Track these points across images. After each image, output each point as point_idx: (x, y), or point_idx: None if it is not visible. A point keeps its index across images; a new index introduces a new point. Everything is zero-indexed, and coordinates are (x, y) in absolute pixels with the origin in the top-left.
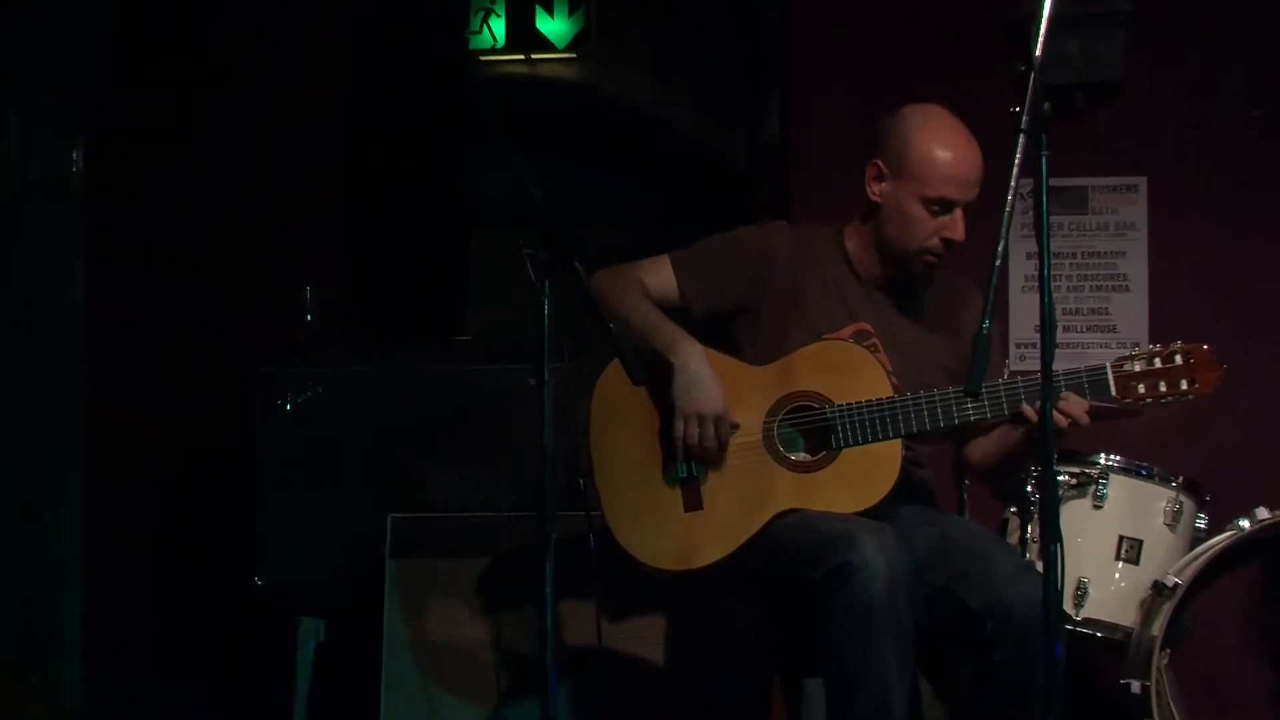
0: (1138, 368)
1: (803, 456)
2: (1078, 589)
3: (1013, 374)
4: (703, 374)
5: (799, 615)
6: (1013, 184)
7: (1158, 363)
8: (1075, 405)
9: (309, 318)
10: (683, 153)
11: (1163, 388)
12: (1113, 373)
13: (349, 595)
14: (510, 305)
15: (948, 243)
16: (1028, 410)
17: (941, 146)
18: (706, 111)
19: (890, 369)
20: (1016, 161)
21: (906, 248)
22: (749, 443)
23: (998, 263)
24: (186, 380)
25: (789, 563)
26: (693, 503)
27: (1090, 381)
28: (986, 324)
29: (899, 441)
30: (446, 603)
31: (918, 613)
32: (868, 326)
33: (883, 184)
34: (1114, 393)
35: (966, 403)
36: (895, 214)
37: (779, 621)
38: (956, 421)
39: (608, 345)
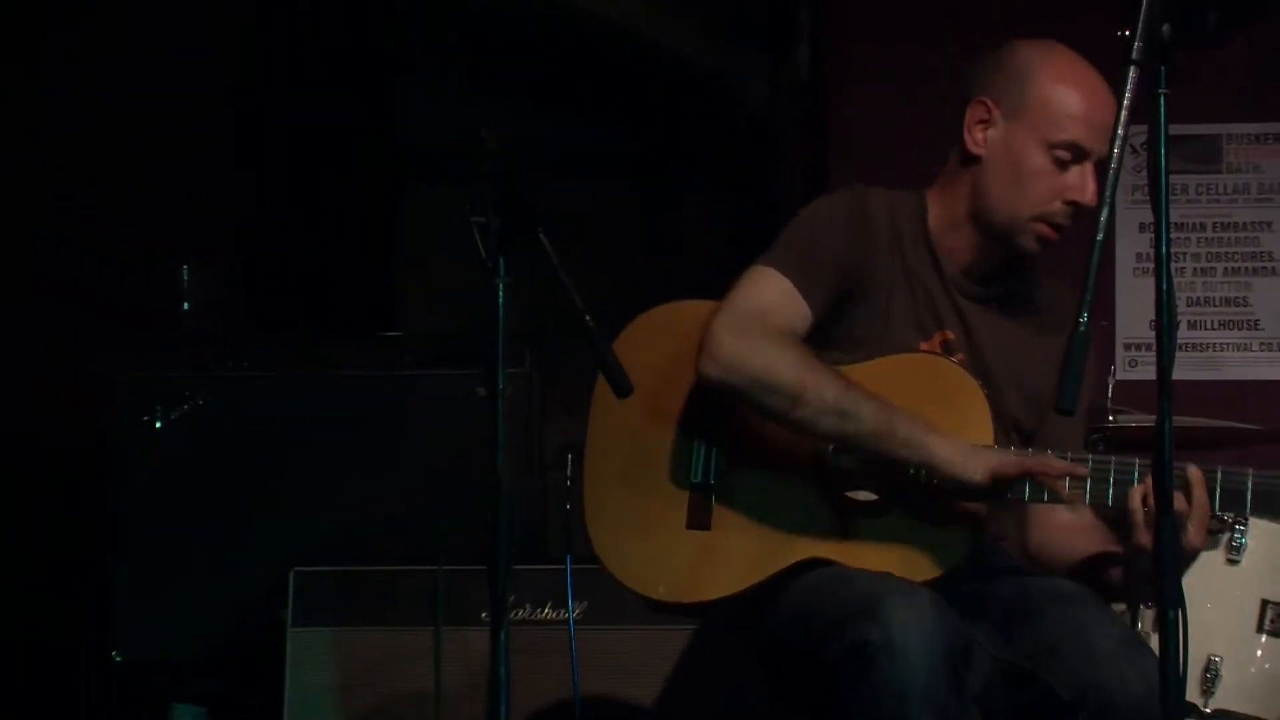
0: None
1: (858, 494)
2: (1207, 671)
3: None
4: (961, 457)
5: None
6: (1120, 132)
7: None
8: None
9: (186, 306)
10: (687, 91)
11: None
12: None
13: (238, 675)
14: (453, 290)
15: (1072, 209)
16: (1136, 499)
17: (1073, 81)
18: (719, 39)
19: None
20: (1126, 103)
21: (1019, 212)
22: (792, 459)
23: (1100, 236)
24: (23, 390)
25: (805, 637)
26: (699, 518)
27: (1227, 490)
28: (1084, 318)
29: (984, 505)
30: (367, 683)
31: (971, 696)
32: (952, 335)
33: (990, 129)
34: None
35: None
36: (1008, 167)
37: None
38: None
39: (585, 345)
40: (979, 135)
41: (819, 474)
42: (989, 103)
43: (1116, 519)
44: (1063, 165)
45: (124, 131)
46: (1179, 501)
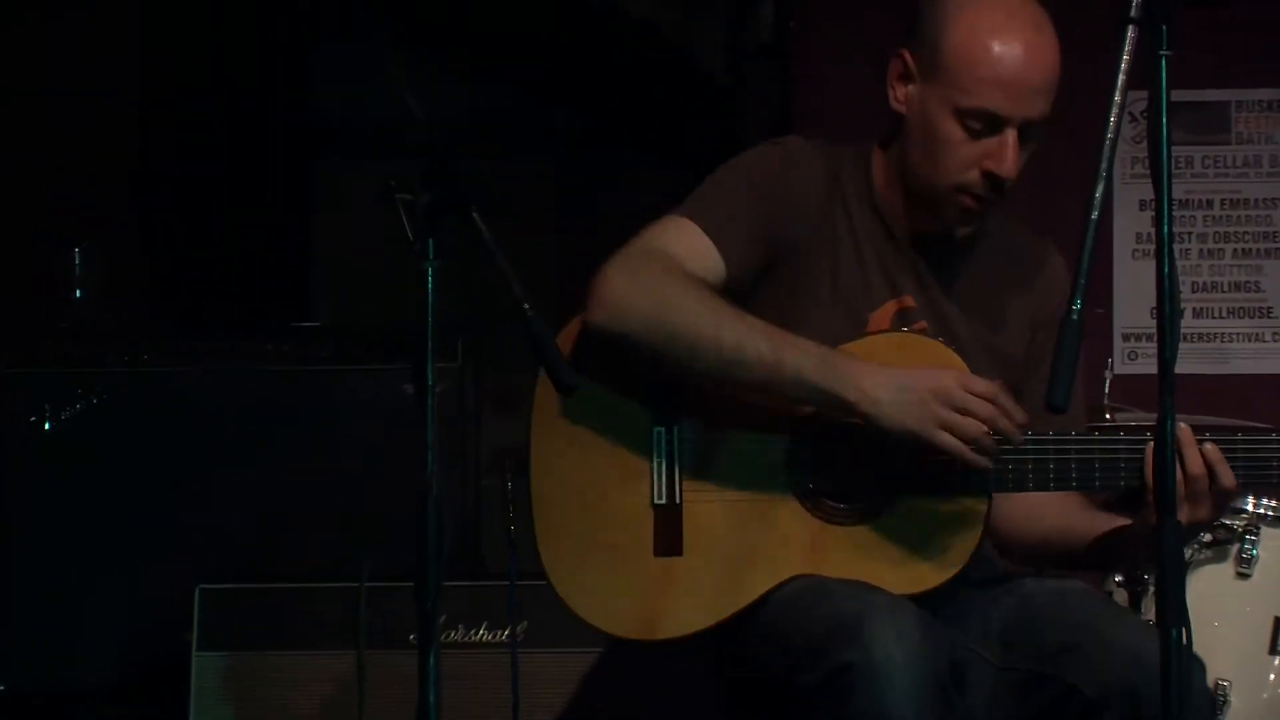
0: None
1: (839, 500)
2: (1215, 694)
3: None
4: (900, 379)
5: None
6: (1117, 99)
7: None
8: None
9: (79, 293)
10: (638, 55)
11: None
12: None
13: (137, 705)
14: (375, 276)
15: (992, 180)
16: None
17: (991, 33)
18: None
19: None
20: (1123, 66)
21: (933, 182)
22: (764, 465)
23: (1095, 215)
24: None
25: (778, 660)
26: (668, 543)
27: (1252, 458)
28: (1078, 305)
29: (986, 501)
30: (281, 712)
31: (966, 715)
32: (911, 301)
33: (909, 86)
34: None
35: (1093, 459)
36: (922, 131)
37: None
38: (1075, 484)
39: (523, 337)
40: (899, 92)
41: (796, 480)
42: (906, 56)
43: (1126, 499)
44: (976, 134)
45: (11, 101)
46: (1195, 464)
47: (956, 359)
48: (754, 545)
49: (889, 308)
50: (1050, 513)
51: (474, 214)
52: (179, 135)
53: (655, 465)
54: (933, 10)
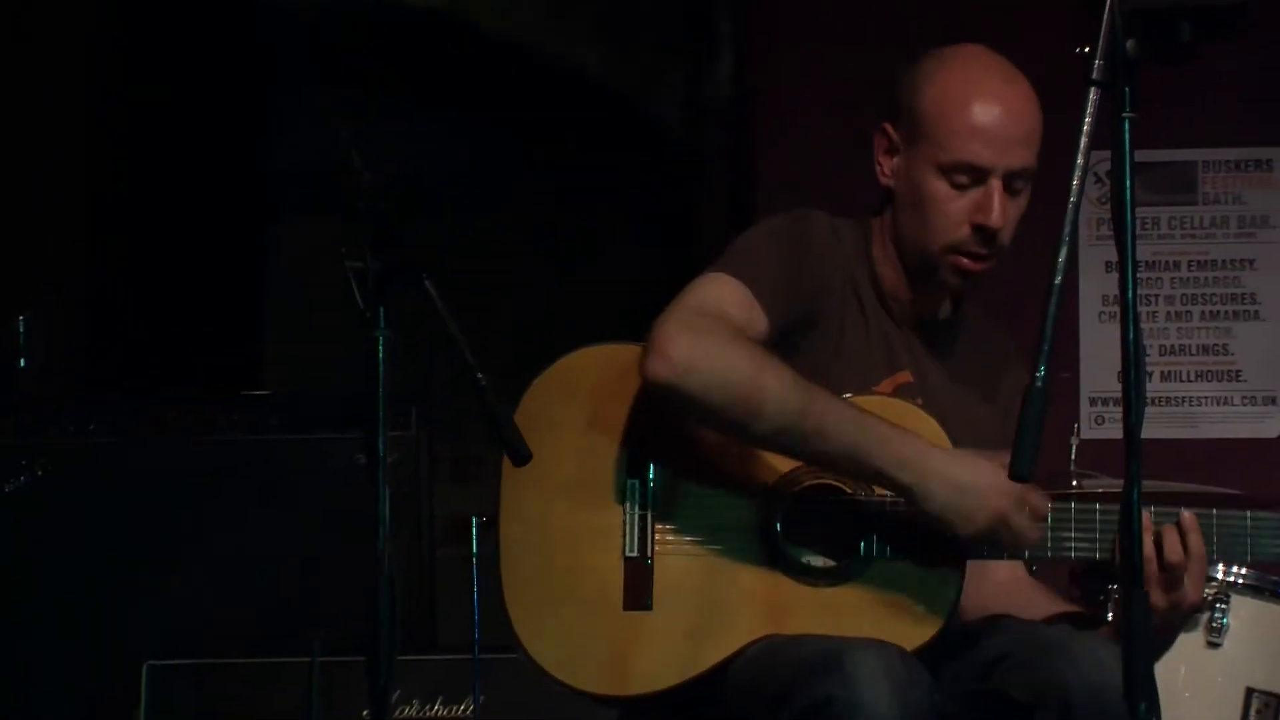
0: None
1: (813, 560)
2: None
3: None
4: (965, 475)
5: None
6: (1080, 160)
7: None
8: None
9: (22, 362)
10: (594, 111)
11: None
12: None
13: None
14: (325, 343)
15: (983, 234)
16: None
17: (965, 87)
18: (629, 52)
19: None
20: (1086, 128)
21: (927, 245)
22: (738, 523)
23: (1058, 279)
24: None
25: (755, 708)
26: (637, 598)
27: (1224, 534)
28: (1042, 371)
29: (960, 568)
30: None
31: None
32: (909, 377)
33: (894, 158)
34: None
35: (1067, 532)
36: (910, 197)
37: None
38: (1050, 554)
39: (479, 408)
40: (886, 166)
41: (769, 539)
42: (889, 129)
43: (1089, 577)
44: (962, 188)
45: None
46: (1174, 552)
47: (932, 422)
48: (724, 603)
49: (887, 383)
50: (1003, 591)
51: (426, 282)
52: (125, 199)
53: (627, 517)
54: (908, 79)
